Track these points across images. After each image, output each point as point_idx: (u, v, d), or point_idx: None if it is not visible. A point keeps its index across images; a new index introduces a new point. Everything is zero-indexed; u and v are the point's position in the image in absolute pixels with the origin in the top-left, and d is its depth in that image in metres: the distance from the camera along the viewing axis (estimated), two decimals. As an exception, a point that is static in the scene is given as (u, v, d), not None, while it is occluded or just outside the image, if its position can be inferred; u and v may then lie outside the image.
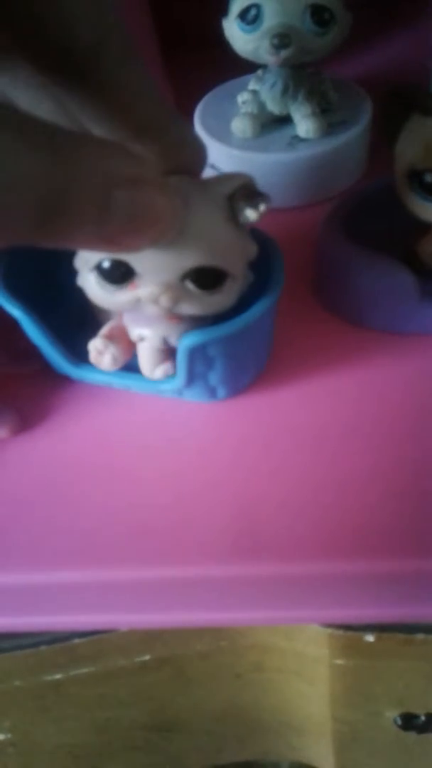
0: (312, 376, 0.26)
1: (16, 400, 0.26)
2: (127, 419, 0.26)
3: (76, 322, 0.25)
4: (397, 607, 0.24)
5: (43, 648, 0.32)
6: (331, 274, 0.28)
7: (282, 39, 0.29)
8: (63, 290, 0.24)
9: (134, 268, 0.19)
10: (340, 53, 0.31)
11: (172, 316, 0.21)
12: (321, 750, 0.41)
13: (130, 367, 0.24)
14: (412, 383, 0.26)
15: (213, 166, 0.22)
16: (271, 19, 0.29)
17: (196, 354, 0.23)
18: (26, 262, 0.25)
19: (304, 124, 0.32)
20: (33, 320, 0.24)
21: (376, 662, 0.32)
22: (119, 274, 0.19)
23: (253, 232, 0.21)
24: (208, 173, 0.21)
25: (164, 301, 0.20)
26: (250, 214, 0.20)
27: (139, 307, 0.20)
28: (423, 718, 0.36)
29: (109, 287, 0.20)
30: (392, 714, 0.36)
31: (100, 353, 0.23)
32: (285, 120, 0.33)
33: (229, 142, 0.33)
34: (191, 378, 0.24)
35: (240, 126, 0.33)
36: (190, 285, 0.20)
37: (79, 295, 0.21)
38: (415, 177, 0.24)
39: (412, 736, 0.38)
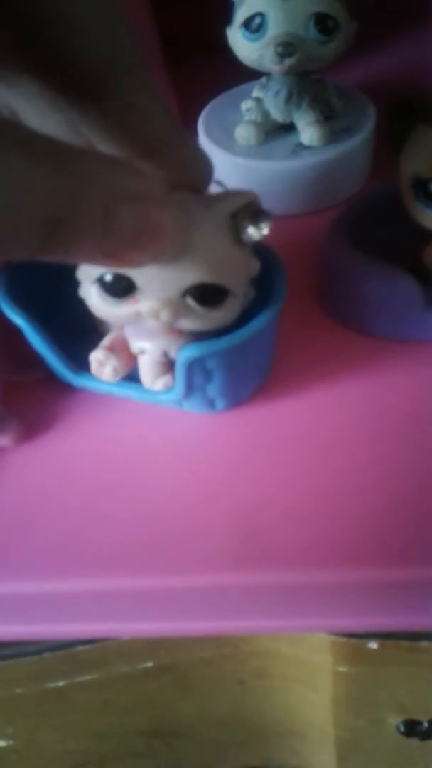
0: (315, 385, 0.26)
1: (20, 407, 0.26)
2: (130, 428, 0.26)
3: (78, 330, 0.25)
4: (402, 616, 0.24)
5: (46, 655, 0.32)
6: (335, 281, 0.28)
7: (286, 47, 0.29)
8: (65, 299, 0.23)
9: (136, 282, 0.19)
10: (343, 61, 0.31)
11: (173, 330, 0.21)
12: (324, 756, 0.41)
13: (132, 376, 0.24)
14: (417, 391, 0.25)
15: (218, 182, 0.22)
16: (275, 28, 0.29)
17: (195, 367, 0.23)
18: (29, 271, 0.25)
19: (308, 132, 0.32)
20: (35, 328, 0.24)
21: (380, 669, 0.32)
22: (121, 288, 0.20)
23: (256, 246, 0.21)
24: (213, 189, 0.21)
25: (165, 316, 0.20)
26: (253, 233, 0.20)
27: (140, 321, 0.20)
28: (426, 724, 0.36)
29: (111, 300, 0.20)
30: (395, 721, 0.36)
31: (102, 364, 0.23)
32: (289, 128, 0.33)
33: (232, 150, 0.33)
34: (189, 390, 0.24)
35: (244, 134, 0.33)
36: (190, 301, 0.20)
37: (81, 305, 0.21)
38: (419, 186, 0.24)
39: (414, 742, 0.37)
